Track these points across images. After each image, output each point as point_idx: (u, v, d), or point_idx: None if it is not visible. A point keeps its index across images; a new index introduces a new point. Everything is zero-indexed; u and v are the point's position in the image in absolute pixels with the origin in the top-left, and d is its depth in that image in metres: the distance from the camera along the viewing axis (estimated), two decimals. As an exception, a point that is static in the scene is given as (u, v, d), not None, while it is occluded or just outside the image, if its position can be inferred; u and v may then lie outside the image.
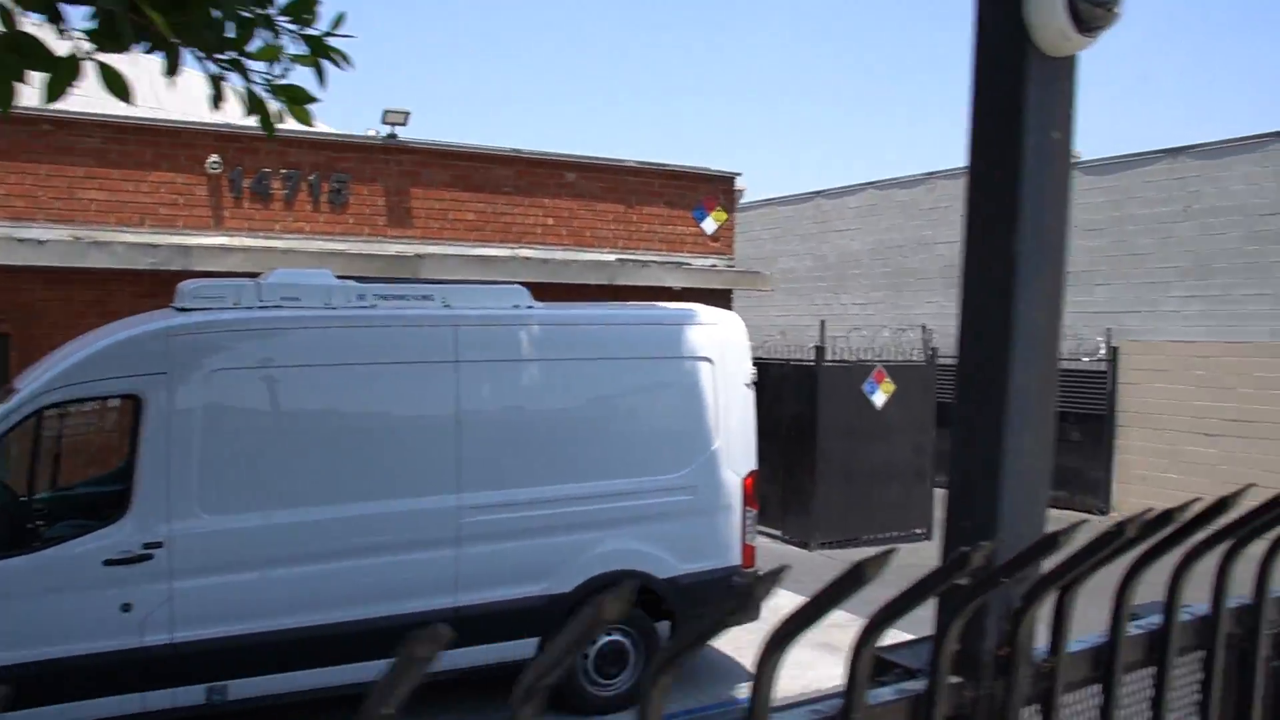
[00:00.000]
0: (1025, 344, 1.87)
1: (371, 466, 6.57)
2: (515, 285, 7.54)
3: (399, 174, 11.84)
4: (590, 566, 6.98)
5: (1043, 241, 1.89)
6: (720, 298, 13.70)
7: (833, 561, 12.07)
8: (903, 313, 18.70)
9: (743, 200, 22.98)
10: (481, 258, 11.82)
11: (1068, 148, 1.94)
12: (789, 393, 13.26)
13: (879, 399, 13.11)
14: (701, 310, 7.76)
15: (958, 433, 1.99)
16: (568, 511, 6.94)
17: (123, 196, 10.78)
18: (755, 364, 13.88)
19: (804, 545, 12.85)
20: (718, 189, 13.72)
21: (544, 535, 6.88)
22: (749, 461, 7.56)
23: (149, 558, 5.98)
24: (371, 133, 12.37)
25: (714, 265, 13.68)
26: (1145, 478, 15.07)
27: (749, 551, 7.45)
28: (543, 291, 11.45)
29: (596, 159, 12.94)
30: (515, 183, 12.39)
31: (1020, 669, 1.64)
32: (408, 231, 11.88)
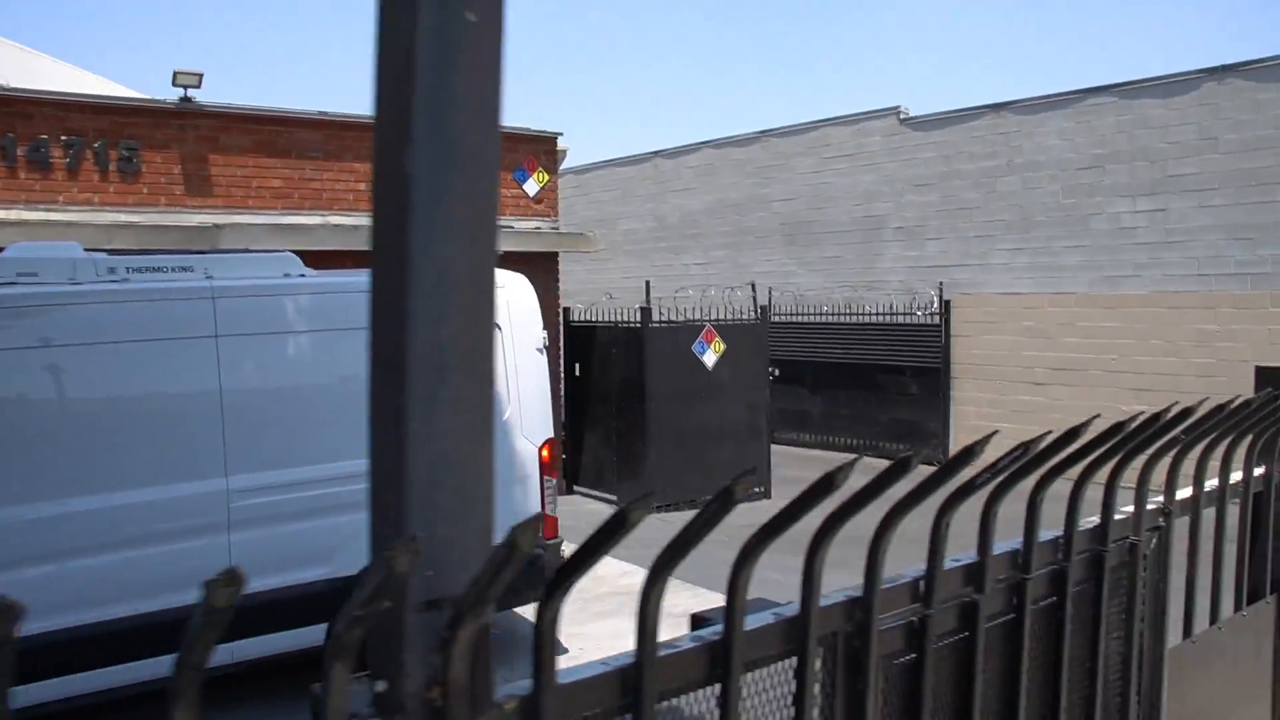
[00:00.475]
0: (430, 285, 1.46)
1: (128, 452, 6.16)
2: (285, 252, 7.18)
3: (196, 139, 11.25)
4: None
5: (451, 154, 1.60)
6: (546, 261, 13.49)
7: (668, 525, 11.96)
8: (742, 271, 18.77)
9: (582, 162, 22.86)
10: (289, 226, 11.34)
11: (496, 36, 1.63)
12: (619, 356, 13.13)
13: (710, 359, 13.07)
14: None
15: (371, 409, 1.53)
16: (346, 490, 6.52)
17: (-120, 168, 10.00)
18: (584, 327, 13.88)
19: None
20: (539, 149, 13.44)
21: (322, 516, 6.55)
22: (546, 429, 7.37)
23: None
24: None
25: (537, 228, 13.42)
26: (979, 428, 15.41)
27: (551, 523, 7.26)
28: (359, 260, 11.04)
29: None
30: (324, 146, 11.92)
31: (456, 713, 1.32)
32: (209, 201, 11.32)
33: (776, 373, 18.10)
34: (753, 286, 14.50)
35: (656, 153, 20.93)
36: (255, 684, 6.58)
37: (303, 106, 12.94)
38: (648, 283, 13.80)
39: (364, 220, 11.56)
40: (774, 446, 17.82)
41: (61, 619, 5.69)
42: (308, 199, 11.80)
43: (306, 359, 6.75)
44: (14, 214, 10.33)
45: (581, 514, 11.85)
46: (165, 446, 6.25)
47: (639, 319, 12.79)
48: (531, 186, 13.38)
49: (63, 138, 10.59)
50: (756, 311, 13.74)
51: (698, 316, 13.39)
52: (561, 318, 13.97)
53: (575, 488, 13.89)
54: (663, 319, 13.01)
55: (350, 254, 11.61)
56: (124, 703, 6.05)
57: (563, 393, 13.95)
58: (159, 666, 5.71)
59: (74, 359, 6.10)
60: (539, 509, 7.16)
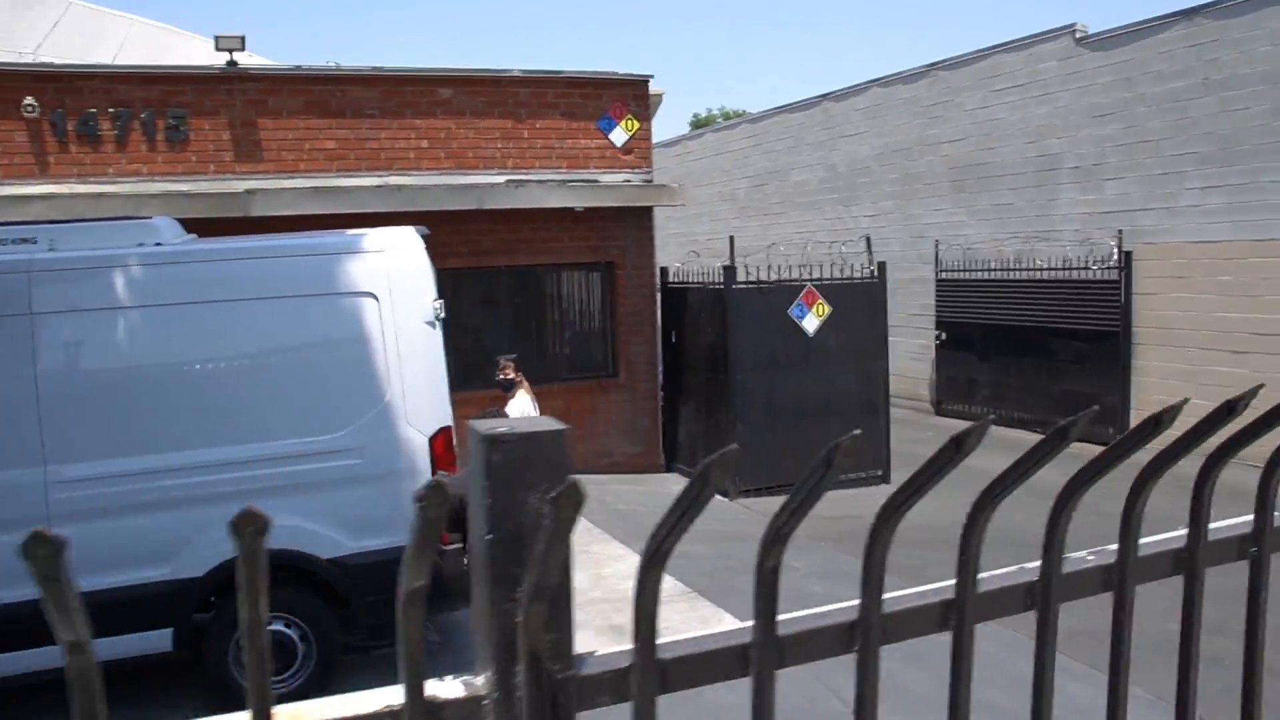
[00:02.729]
0: None
1: None
2: (147, 220, 6.56)
3: (244, 104, 10.96)
4: (225, 546, 5.97)
5: None
6: (638, 217, 12.37)
7: (749, 513, 10.71)
8: (911, 224, 16.80)
9: (757, 110, 21.30)
10: (329, 189, 10.85)
11: None
12: (705, 321, 11.84)
13: (811, 324, 11.53)
14: (365, 235, 6.45)
15: None
16: (187, 483, 5.93)
17: (-61, 147, 10.32)
18: (678, 289, 12.60)
19: (724, 493, 11.48)
20: (627, 95, 12.25)
21: (158, 511, 5.91)
22: (439, 417, 6.32)
23: None
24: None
25: (626, 181, 12.27)
26: (1165, 404, 12.89)
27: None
28: (419, 220, 10.47)
29: (475, 71, 11.71)
30: (380, 104, 11.32)
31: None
32: (259, 166, 11.01)
33: (943, 336, 16.14)
34: (867, 241, 12.67)
35: (825, 95, 19.12)
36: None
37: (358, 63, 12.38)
38: (731, 239, 12.33)
39: (426, 179, 10.91)
40: (937, 419, 15.91)
41: None
42: (364, 159, 11.27)
43: (141, 337, 6.06)
44: (66, 188, 10.41)
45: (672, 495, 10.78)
46: None
47: (721, 279, 11.42)
48: (619, 136, 12.23)
49: (110, 110, 10.56)
50: (873, 268, 11.97)
51: (790, 276, 11.76)
52: (658, 279, 12.81)
53: (673, 465, 12.75)
54: (751, 279, 11.54)
55: (408, 215, 11.01)
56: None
57: (659, 361, 12.83)
58: None
59: None
60: None
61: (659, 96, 12.93)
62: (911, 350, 16.75)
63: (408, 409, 6.17)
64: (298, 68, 11.27)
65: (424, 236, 7.00)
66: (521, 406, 9.30)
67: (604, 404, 12.49)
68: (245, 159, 10.97)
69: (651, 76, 12.39)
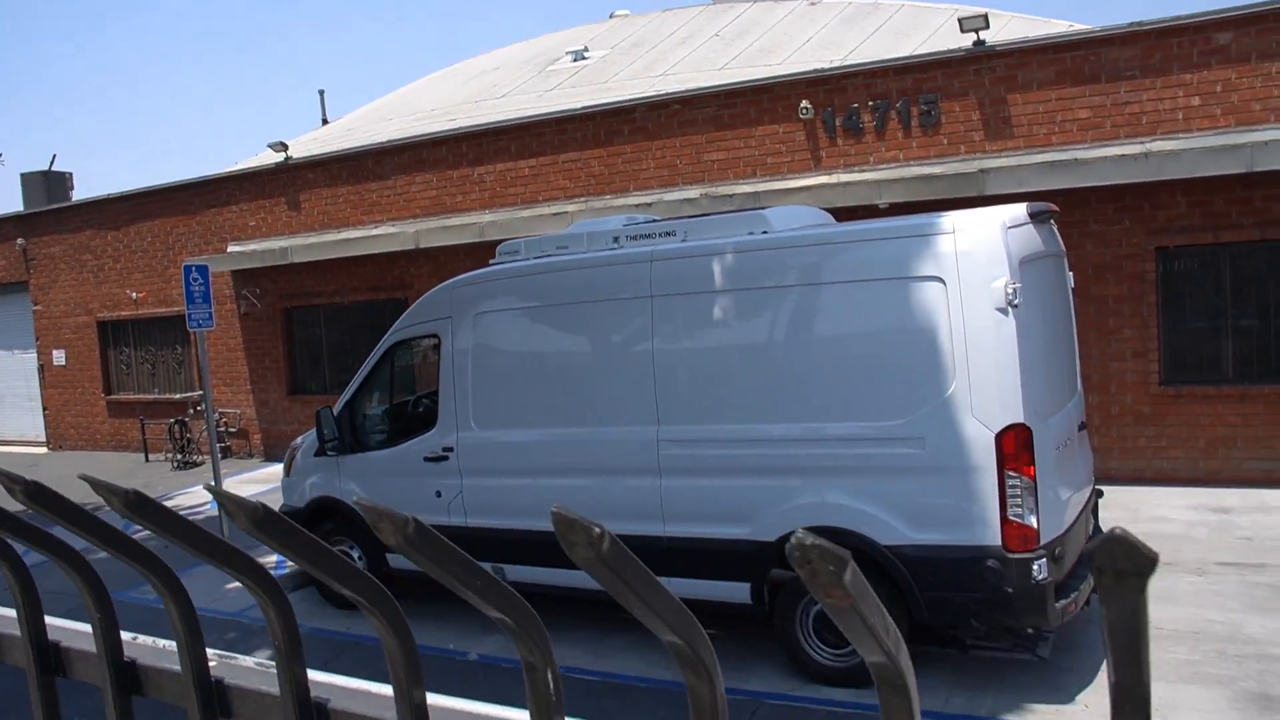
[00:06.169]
0: None
1: (591, 396, 6.99)
2: (759, 211, 6.94)
3: (991, 82, 10.85)
4: (794, 517, 6.21)
5: None
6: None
7: None
8: None
9: None
10: (1077, 162, 10.20)
11: None
12: None
13: None
14: (937, 218, 5.96)
15: None
16: (764, 454, 6.31)
17: (738, 154, 12.08)
18: None
19: None
20: None
21: (742, 476, 6.39)
22: (1009, 412, 5.63)
23: (447, 458, 7.59)
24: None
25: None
26: None
27: (1014, 531, 5.59)
28: (1183, 188, 9.63)
29: (1261, 5, 9.95)
30: (1141, 63, 10.30)
31: None
32: (1008, 144, 10.84)
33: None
34: None
35: None
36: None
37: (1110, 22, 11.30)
38: None
39: (1190, 142, 9.86)
40: None
41: (539, 523, 6.97)
42: (1122, 125, 10.40)
43: (731, 320, 6.58)
44: (835, 178, 11.47)
45: None
46: (616, 393, 6.90)
47: None
48: None
49: (870, 103, 11.31)
50: None
51: None
52: None
53: None
54: None
55: (1157, 185, 10.00)
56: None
57: None
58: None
59: (558, 317, 7.26)
60: (991, 508, 5.60)
61: None
62: None
63: (974, 401, 5.69)
64: (1046, 38, 10.80)
65: (1049, 215, 6.48)
66: None
67: None
68: (995, 137, 10.91)
69: None
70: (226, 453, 16.43)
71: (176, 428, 16.88)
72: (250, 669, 1.06)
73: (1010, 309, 5.61)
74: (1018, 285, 5.62)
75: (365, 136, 17.43)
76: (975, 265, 5.69)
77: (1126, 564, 0.45)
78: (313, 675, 0.97)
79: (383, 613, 0.85)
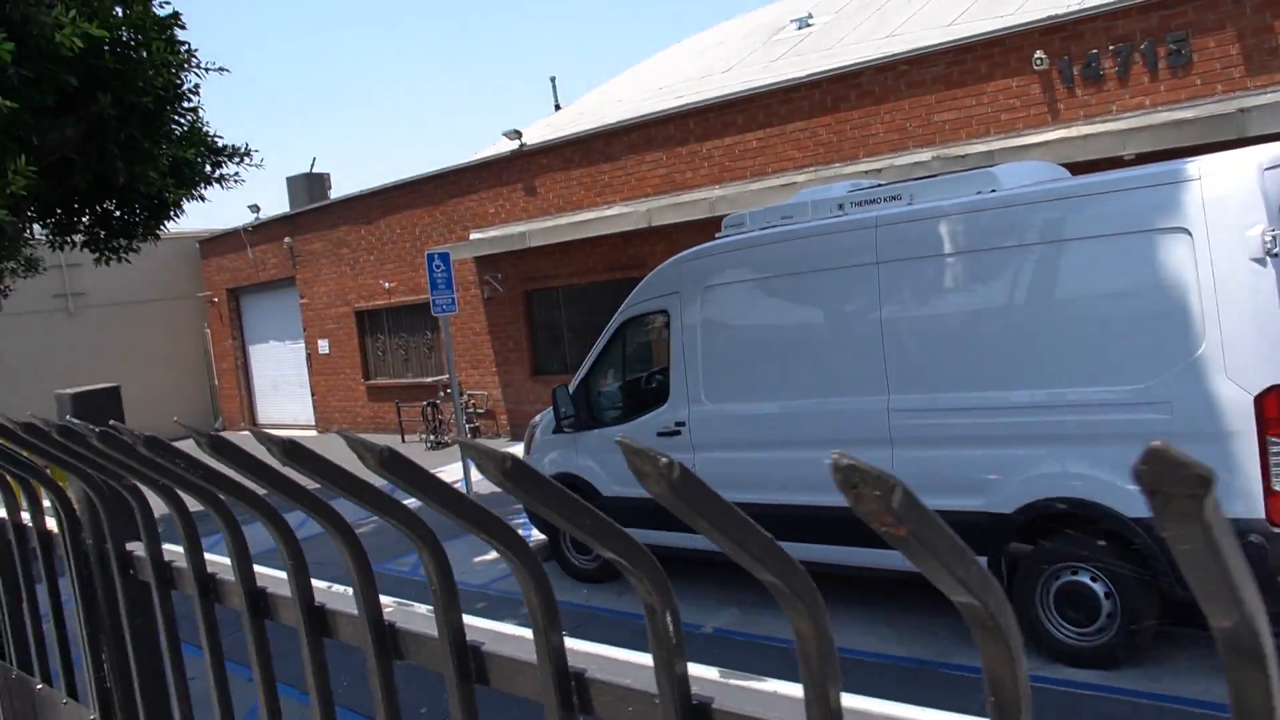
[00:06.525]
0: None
1: (820, 367, 6.94)
2: (988, 169, 6.62)
3: (1254, 8, 9.94)
4: (1032, 488, 5.92)
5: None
6: None
7: None
8: None
9: None
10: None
11: None
12: None
13: None
14: (1181, 165, 5.47)
15: None
16: (998, 422, 6.04)
17: (970, 112, 11.67)
18: None
19: None
20: None
21: (973, 445, 6.15)
22: (1270, 372, 5.12)
23: (679, 433, 7.69)
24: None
25: None
26: None
27: (1279, 503, 5.08)
28: None
29: None
30: None
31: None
32: (1276, 77, 9.93)
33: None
34: None
35: None
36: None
37: None
38: None
39: None
40: None
41: (772, 496, 7.01)
42: None
43: (961, 282, 6.32)
44: (1074, 131, 10.90)
45: None
46: (841, 363, 6.82)
47: None
48: None
49: (1111, 48, 10.65)
50: None
51: None
52: None
53: None
54: None
55: None
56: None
57: None
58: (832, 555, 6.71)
59: (785, 288, 7.24)
60: (1252, 478, 5.11)
61: None
62: None
63: (1227, 361, 5.23)
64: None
65: None
66: None
67: None
68: (1258, 71, 10.02)
69: None
70: (475, 433, 17.44)
71: (429, 409, 17.96)
72: (507, 636, 1.06)
73: (1270, 259, 5.14)
74: (1277, 232, 5.14)
75: (595, 119, 17.95)
76: (1226, 213, 5.26)
77: (1176, 484, 0.43)
78: (568, 643, 0.96)
79: (646, 574, 0.81)
